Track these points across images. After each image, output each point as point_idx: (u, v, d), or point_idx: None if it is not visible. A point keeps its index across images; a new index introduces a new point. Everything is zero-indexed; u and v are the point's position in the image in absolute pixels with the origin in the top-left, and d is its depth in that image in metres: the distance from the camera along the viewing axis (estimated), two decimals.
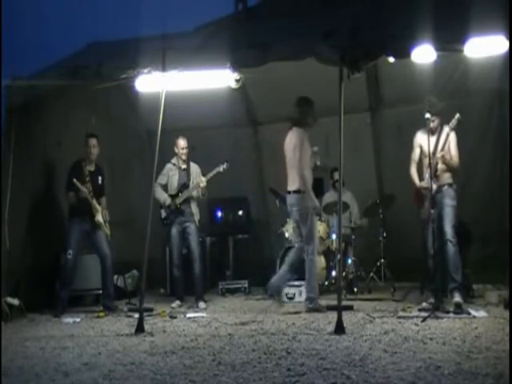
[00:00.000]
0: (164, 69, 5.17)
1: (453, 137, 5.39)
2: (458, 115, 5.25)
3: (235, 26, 6.79)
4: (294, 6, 6.68)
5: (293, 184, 5.63)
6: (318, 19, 5.87)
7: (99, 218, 6.06)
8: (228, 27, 6.75)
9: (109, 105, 7.39)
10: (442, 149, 5.33)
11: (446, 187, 5.40)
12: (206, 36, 6.29)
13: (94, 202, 6.04)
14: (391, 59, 4.87)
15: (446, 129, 5.38)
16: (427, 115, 5.22)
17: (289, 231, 7.29)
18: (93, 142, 6.14)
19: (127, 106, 7.79)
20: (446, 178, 5.44)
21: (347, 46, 4.83)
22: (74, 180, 5.87)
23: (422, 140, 5.55)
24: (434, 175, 5.29)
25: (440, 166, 5.35)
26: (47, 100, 6.18)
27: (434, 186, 5.28)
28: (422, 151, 5.58)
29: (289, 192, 5.67)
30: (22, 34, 26.36)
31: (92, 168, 6.17)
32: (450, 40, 4.73)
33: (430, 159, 5.26)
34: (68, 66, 5.99)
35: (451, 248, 5.23)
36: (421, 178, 5.58)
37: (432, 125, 5.39)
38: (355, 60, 4.75)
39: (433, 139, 5.40)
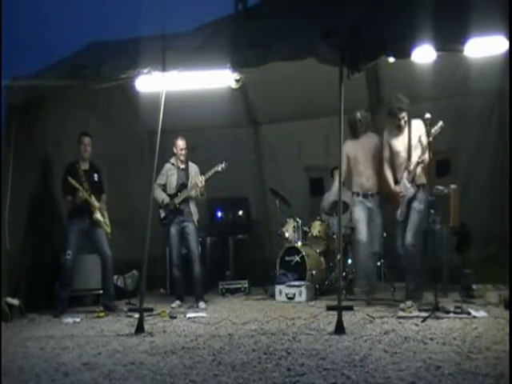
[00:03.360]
0: (164, 69, 5.17)
1: (423, 132, 5.28)
2: (441, 123, 5.13)
3: (235, 26, 6.78)
4: (294, 6, 6.68)
5: None
6: (318, 19, 5.87)
7: (98, 215, 6.04)
8: (228, 27, 6.75)
9: (109, 105, 7.39)
10: (424, 153, 5.22)
11: (420, 189, 5.37)
12: (206, 36, 6.28)
13: (92, 199, 6.03)
14: (391, 59, 4.87)
15: (416, 124, 5.30)
16: (427, 115, 5.19)
17: (289, 231, 7.29)
18: (86, 140, 6.13)
19: (127, 106, 7.80)
20: (421, 177, 5.38)
21: (347, 45, 4.82)
22: (69, 178, 5.84)
23: (389, 138, 5.51)
24: (412, 179, 5.26)
25: (418, 169, 5.29)
26: (47, 100, 6.18)
27: (412, 190, 5.28)
28: (391, 150, 5.53)
29: None
30: (22, 34, 26.37)
31: (86, 167, 6.16)
32: (450, 40, 4.73)
33: (421, 155, 5.21)
34: (68, 66, 5.99)
35: (410, 256, 5.27)
36: (394, 178, 5.52)
37: (403, 121, 5.34)
38: (355, 60, 4.75)
39: (402, 137, 5.36)
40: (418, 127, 5.32)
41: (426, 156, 5.22)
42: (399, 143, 5.43)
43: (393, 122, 5.45)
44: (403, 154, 5.39)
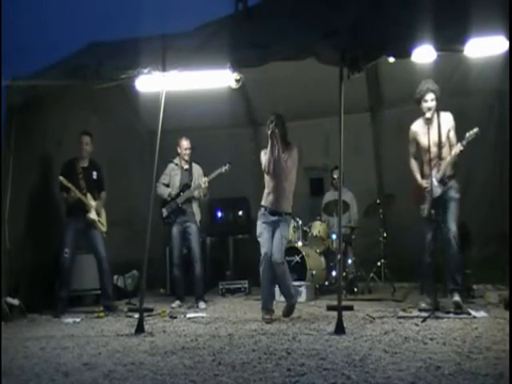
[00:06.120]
0: (164, 69, 5.17)
1: (452, 126, 5.24)
2: (476, 129, 5.05)
3: (235, 26, 6.77)
4: (294, 6, 6.67)
5: None
6: (318, 19, 5.87)
7: (91, 215, 6.01)
8: (228, 27, 6.74)
9: (109, 105, 7.39)
10: (452, 149, 5.16)
11: (450, 179, 5.27)
12: (206, 36, 6.28)
13: (88, 198, 6.01)
14: (391, 59, 4.87)
15: (446, 117, 5.23)
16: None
17: (289, 231, 7.28)
18: (86, 139, 6.11)
19: (127, 106, 7.80)
20: (449, 169, 5.29)
21: (347, 45, 4.82)
22: (61, 178, 5.83)
23: (416, 135, 5.37)
24: (441, 179, 5.15)
25: (448, 167, 5.20)
26: (47, 100, 6.18)
27: (439, 190, 5.15)
28: (418, 145, 5.38)
29: None
30: (23, 34, 26.38)
31: (85, 164, 6.14)
32: (450, 40, 4.73)
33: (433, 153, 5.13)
34: (68, 66, 5.99)
35: (454, 246, 5.12)
36: (421, 173, 5.41)
37: (432, 104, 5.21)
38: (355, 60, 4.74)
39: (431, 132, 5.20)
40: (447, 120, 5.23)
41: (455, 151, 5.16)
42: (427, 139, 5.22)
43: (422, 109, 5.28)
44: (433, 149, 5.19)
